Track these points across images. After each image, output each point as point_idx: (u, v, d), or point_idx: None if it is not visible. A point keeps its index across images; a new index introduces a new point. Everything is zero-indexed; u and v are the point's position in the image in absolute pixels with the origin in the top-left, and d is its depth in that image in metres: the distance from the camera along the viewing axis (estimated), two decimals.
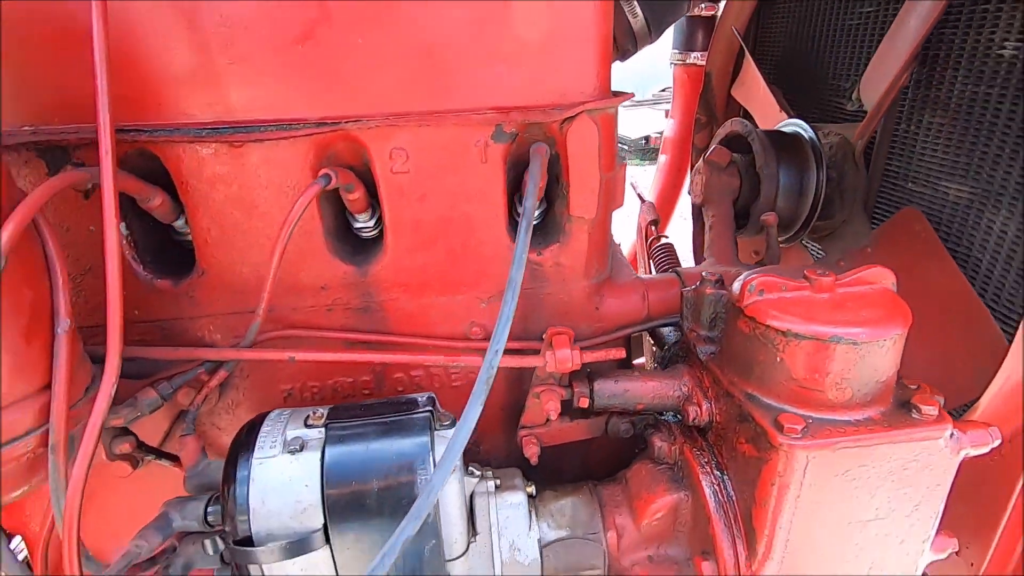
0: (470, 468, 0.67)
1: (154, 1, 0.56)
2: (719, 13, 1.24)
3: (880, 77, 0.84)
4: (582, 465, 0.84)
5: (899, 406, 0.56)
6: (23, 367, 0.48)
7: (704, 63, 1.30)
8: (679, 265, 1.04)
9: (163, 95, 0.60)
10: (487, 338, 0.75)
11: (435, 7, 0.59)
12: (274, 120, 0.61)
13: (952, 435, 0.54)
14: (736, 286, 0.60)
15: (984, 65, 0.74)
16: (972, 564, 0.71)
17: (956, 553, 0.63)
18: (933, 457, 0.54)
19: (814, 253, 1.04)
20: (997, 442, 0.56)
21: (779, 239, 0.99)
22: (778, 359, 0.55)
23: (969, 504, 0.73)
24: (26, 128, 0.59)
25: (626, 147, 9.22)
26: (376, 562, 0.42)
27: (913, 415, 0.54)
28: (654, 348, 0.88)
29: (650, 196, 1.47)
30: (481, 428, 0.83)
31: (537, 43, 0.62)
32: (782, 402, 0.56)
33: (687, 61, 1.38)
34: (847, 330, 0.52)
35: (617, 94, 0.69)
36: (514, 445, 0.77)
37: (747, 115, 1.21)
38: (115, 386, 0.49)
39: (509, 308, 0.49)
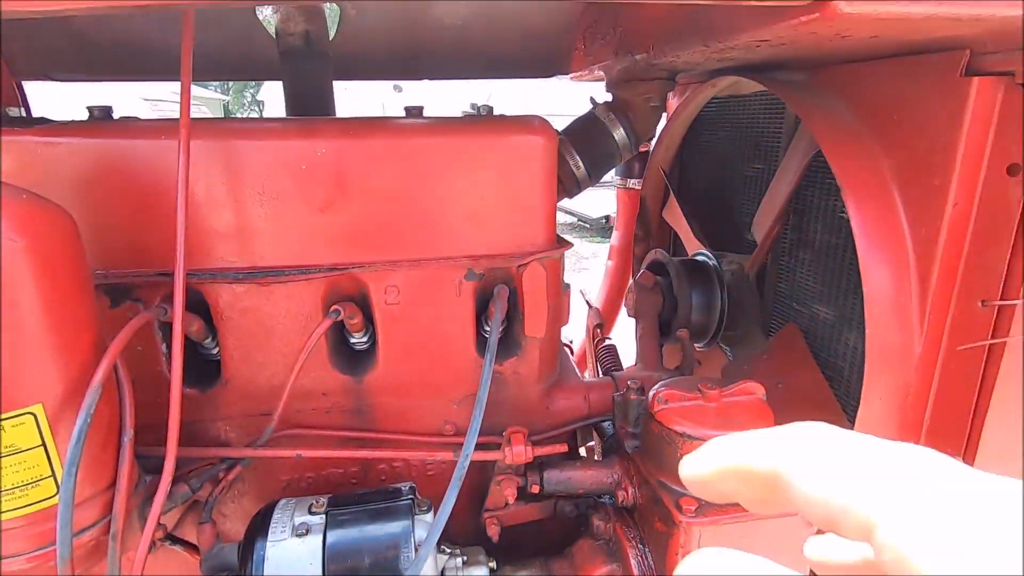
0: (442, 547, 0.81)
1: (209, 175, 0.75)
2: (651, 149, 1.51)
3: (763, 221, 1.08)
4: (535, 542, 0.98)
5: None
6: (97, 470, 0.62)
7: (639, 187, 1.57)
8: (620, 363, 1.24)
9: (210, 246, 0.77)
10: (458, 433, 0.91)
11: (427, 186, 0.80)
12: (295, 266, 0.79)
13: None
14: (650, 395, 0.79)
15: (833, 221, 0.99)
16: None
17: None
18: (797, 529, 0.72)
19: (728, 354, 1.25)
20: None
21: (698, 344, 1.20)
22: (679, 455, 0.73)
23: None
24: (99, 272, 0.75)
25: (587, 225, 9.74)
26: None
27: None
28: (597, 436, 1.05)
29: (598, 297, 1.69)
30: (453, 510, 0.97)
31: (501, 212, 0.83)
32: (683, 488, 0.73)
33: (627, 186, 1.65)
34: (726, 433, 0.71)
35: (561, 243, 0.90)
36: (478, 525, 0.91)
37: (676, 234, 1.46)
38: (170, 484, 0.63)
39: (476, 421, 0.66)
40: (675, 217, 1.38)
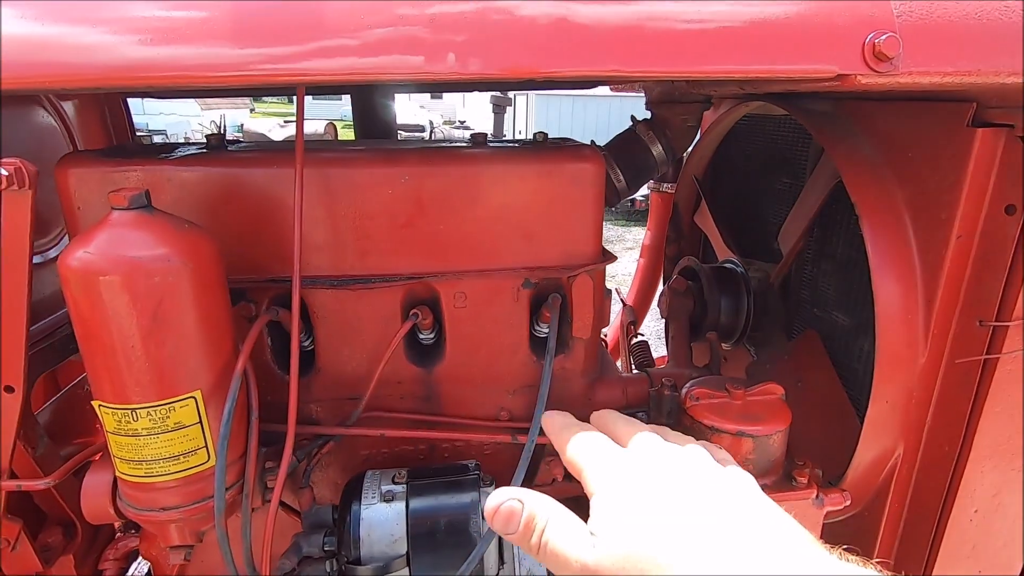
0: None
1: (310, 197, 0.88)
2: (685, 157, 1.60)
3: (790, 233, 1.18)
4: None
5: (785, 476, 0.86)
6: (233, 443, 0.77)
7: (673, 191, 1.67)
8: (652, 360, 1.36)
9: (309, 257, 0.91)
10: (512, 419, 1.05)
11: (491, 207, 0.92)
12: (379, 275, 0.93)
13: (817, 496, 0.85)
14: (683, 392, 0.91)
15: (853, 237, 1.08)
16: None
17: None
18: (804, 512, 0.84)
19: (752, 354, 1.36)
20: (848, 502, 0.86)
21: (725, 344, 1.32)
22: None
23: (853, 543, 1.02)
24: None
25: (613, 208, 9.82)
26: None
27: (792, 483, 0.85)
28: None
29: (629, 294, 1.80)
30: (506, 485, 1.11)
31: (554, 229, 0.95)
32: None
33: (660, 189, 1.75)
34: (749, 428, 0.83)
35: (606, 256, 1.02)
36: None
37: (706, 237, 1.56)
38: (291, 458, 0.78)
39: (539, 414, 0.80)
40: (706, 223, 1.48)
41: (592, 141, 1.29)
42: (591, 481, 0.46)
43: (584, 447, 0.48)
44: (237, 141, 1.05)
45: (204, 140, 0.93)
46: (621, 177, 1.24)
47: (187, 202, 0.87)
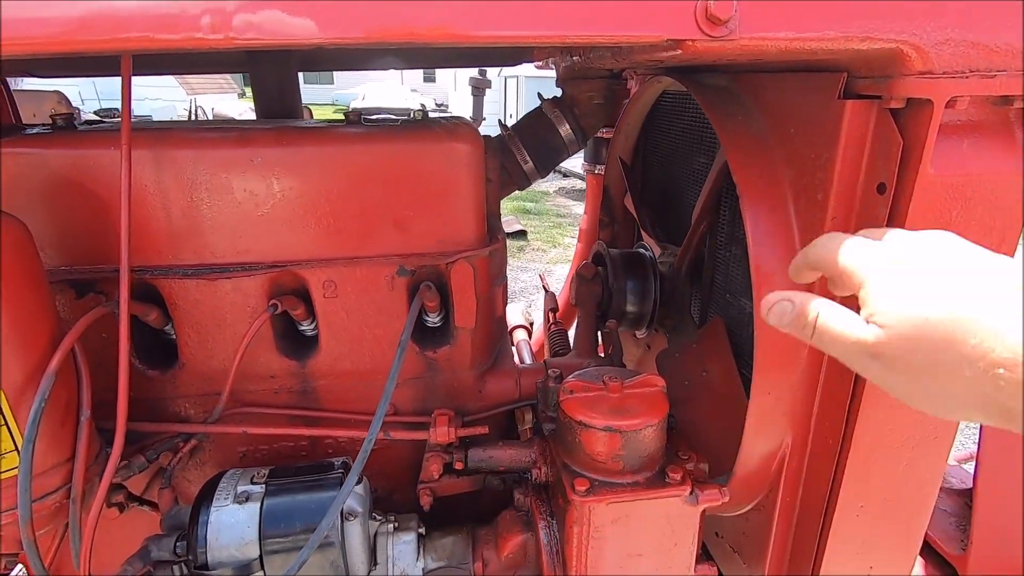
0: (374, 515, 0.91)
1: (158, 182, 0.83)
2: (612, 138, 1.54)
3: (695, 217, 1.13)
4: (471, 513, 1.08)
5: (659, 473, 0.82)
6: (57, 444, 0.72)
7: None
8: (568, 347, 1.31)
9: (160, 245, 0.85)
10: (397, 413, 1.01)
11: (358, 190, 0.86)
12: (240, 263, 0.87)
13: (692, 493, 0.80)
14: (562, 384, 0.86)
15: None
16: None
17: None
18: (679, 508, 0.80)
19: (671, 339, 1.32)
20: (725, 499, 0.81)
21: (638, 332, 1.27)
22: (578, 439, 0.81)
23: (751, 539, 0.99)
24: (63, 268, 0.84)
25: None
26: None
27: (665, 480, 0.80)
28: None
29: (567, 279, 1.75)
30: (396, 481, 1.07)
31: (428, 213, 0.89)
32: (581, 469, 0.81)
33: (595, 171, 1.69)
34: (617, 423, 0.78)
35: (493, 241, 0.97)
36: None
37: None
38: (119, 458, 0.73)
39: (383, 406, 0.75)
40: (631, 206, 1.43)
41: (499, 120, 1.23)
42: (858, 273, 0.48)
43: (848, 248, 0.51)
44: (102, 121, 0.99)
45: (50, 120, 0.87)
46: (527, 158, 1.19)
47: (24, 187, 0.81)
